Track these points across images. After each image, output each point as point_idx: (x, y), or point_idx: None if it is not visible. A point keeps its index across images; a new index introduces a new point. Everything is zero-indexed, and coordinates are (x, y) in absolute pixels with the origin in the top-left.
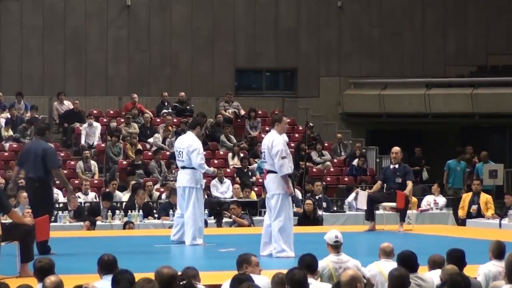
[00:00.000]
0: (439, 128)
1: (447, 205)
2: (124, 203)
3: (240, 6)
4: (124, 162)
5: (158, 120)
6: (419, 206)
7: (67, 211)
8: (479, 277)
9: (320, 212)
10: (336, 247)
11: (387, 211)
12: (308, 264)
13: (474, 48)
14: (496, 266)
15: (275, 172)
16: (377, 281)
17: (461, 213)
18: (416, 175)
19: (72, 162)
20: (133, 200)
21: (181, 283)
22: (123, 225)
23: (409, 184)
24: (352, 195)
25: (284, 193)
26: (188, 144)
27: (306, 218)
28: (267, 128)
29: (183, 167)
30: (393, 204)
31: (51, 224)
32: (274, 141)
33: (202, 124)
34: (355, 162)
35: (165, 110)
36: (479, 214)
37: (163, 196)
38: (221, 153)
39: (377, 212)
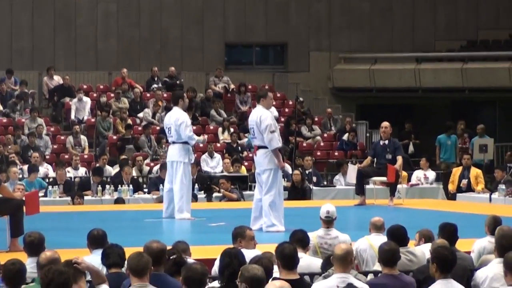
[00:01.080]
0: (429, 102)
1: (437, 180)
2: (112, 178)
3: None
4: (114, 137)
5: (148, 95)
6: (409, 180)
7: (56, 186)
8: (473, 253)
9: (309, 185)
10: (327, 222)
11: (377, 186)
12: (299, 240)
13: (464, 23)
14: (491, 243)
15: (266, 148)
16: (367, 255)
17: (451, 187)
18: (405, 149)
19: (62, 137)
20: (121, 175)
21: (171, 257)
22: (114, 201)
23: (399, 159)
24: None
25: (276, 168)
26: (175, 119)
27: (294, 189)
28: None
29: (173, 142)
30: (383, 179)
31: (41, 198)
32: (262, 116)
33: (182, 96)
34: (345, 136)
35: (155, 85)
36: (469, 189)
37: (154, 169)
38: (211, 128)
39: (367, 186)
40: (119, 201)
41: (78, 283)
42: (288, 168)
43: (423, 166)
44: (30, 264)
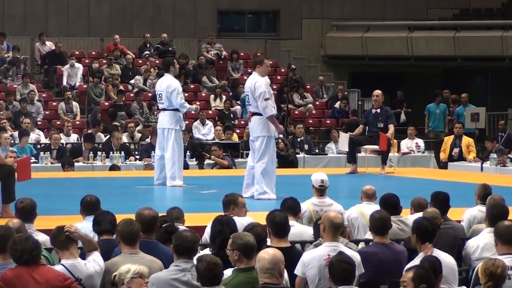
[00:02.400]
0: (422, 71)
1: (427, 148)
2: (103, 144)
3: None
4: (106, 103)
5: (140, 61)
6: (399, 149)
7: (49, 152)
8: (462, 222)
9: (292, 150)
10: (320, 190)
11: (369, 154)
12: (290, 207)
13: None
14: (481, 212)
15: (260, 114)
16: (359, 223)
17: (443, 156)
18: (396, 118)
19: (54, 103)
20: (110, 142)
21: (163, 225)
22: (109, 168)
23: (391, 127)
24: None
25: (269, 136)
26: (167, 85)
27: (279, 157)
28: (249, 70)
29: (164, 109)
30: (375, 147)
31: (33, 165)
32: (257, 83)
33: (173, 63)
34: (337, 104)
35: (147, 52)
36: (461, 157)
37: (148, 139)
38: (203, 95)
39: (358, 154)
40: (114, 168)
41: (69, 250)
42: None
43: (410, 134)
44: None
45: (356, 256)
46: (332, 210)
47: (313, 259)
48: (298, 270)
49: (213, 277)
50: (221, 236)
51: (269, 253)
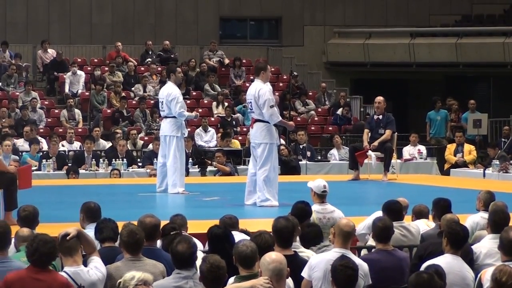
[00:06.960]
0: (424, 77)
1: (429, 155)
2: (106, 152)
3: None
4: (108, 111)
5: (142, 68)
6: (401, 155)
7: (50, 159)
8: None
9: (294, 157)
10: (322, 196)
11: (371, 161)
12: (298, 213)
13: None
14: (483, 219)
15: (262, 121)
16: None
17: (450, 158)
18: None
19: (56, 111)
20: (115, 149)
21: (171, 233)
22: (110, 173)
23: (387, 132)
24: None
25: (271, 143)
26: (167, 93)
27: (281, 162)
28: (251, 77)
29: (165, 116)
30: (377, 153)
31: (35, 172)
32: (261, 91)
33: (174, 70)
34: (339, 111)
35: (149, 59)
36: (463, 164)
37: (150, 146)
38: (205, 102)
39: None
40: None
41: (73, 257)
42: (282, 143)
43: (412, 141)
44: None
45: (364, 266)
46: (336, 217)
47: (320, 262)
48: (305, 272)
49: (215, 279)
50: (223, 252)
51: (271, 257)
